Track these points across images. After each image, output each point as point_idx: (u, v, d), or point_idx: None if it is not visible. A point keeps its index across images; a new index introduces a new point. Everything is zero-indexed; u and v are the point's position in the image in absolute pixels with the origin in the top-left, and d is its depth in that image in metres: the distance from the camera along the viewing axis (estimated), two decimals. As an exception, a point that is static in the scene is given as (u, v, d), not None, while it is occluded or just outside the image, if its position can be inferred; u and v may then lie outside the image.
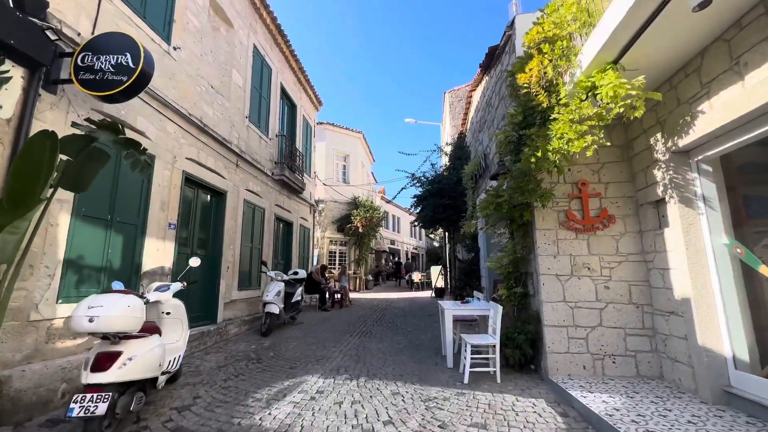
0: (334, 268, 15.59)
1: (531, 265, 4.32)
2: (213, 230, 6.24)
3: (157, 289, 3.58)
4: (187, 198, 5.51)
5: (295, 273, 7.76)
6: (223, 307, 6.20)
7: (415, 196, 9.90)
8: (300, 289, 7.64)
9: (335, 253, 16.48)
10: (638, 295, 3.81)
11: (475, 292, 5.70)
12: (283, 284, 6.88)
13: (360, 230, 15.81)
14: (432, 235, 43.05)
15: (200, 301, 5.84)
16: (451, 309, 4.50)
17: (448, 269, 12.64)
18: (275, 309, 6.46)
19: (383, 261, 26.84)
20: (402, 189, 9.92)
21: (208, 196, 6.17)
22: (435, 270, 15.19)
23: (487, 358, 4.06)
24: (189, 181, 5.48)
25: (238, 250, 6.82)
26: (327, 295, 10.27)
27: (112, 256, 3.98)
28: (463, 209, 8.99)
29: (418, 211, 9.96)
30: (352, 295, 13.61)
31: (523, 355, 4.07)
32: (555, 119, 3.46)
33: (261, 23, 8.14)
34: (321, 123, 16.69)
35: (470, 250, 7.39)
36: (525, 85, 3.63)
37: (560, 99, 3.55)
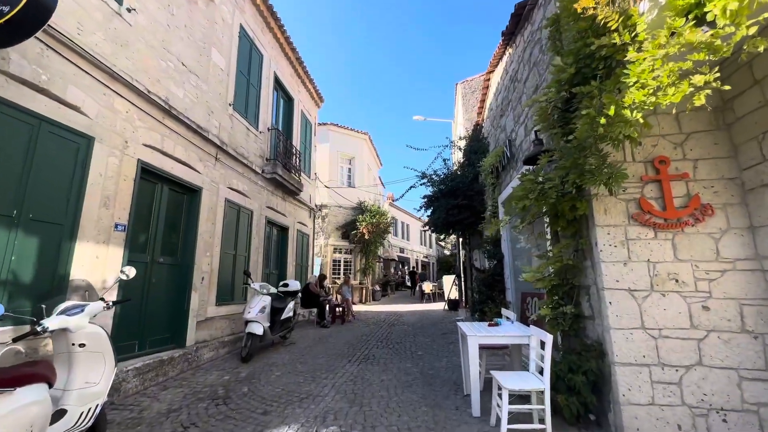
0: (339, 278, 14.51)
1: (587, 276, 3.16)
2: (184, 234, 5.22)
3: (66, 311, 2.53)
4: (145, 193, 4.51)
5: (285, 285, 6.68)
6: (195, 326, 5.14)
7: (425, 197, 8.79)
8: (291, 304, 6.55)
9: (340, 261, 15.40)
10: (755, 319, 2.61)
11: (504, 311, 4.52)
12: (269, 298, 5.81)
13: (366, 237, 14.73)
14: (443, 243, 41.79)
15: (164, 321, 4.79)
16: (476, 335, 3.35)
17: (463, 279, 11.42)
18: (258, 329, 5.37)
19: (392, 270, 25.66)
20: (410, 188, 8.87)
21: (178, 193, 5.17)
22: (448, 280, 13.95)
23: (530, 408, 2.89)
24: (148, 172, 4.49)
25: (217, 257, 5.78)
26: (327, 309, 9.15)
27: (18, 267, 2.96)
28: (481, 210, 7.84)
29: (428, 214, 8.84)
30: (357, 308, 12.46)
31: (583, 403, 2.87)
32: (632, 62, 2.34)
33: (249, 1, 7.24)
34: (325, 123, 15.80)
35: (491, 258, 6.21)
36: (589, 8, 2.51)
37: (636, 35, 2.43)
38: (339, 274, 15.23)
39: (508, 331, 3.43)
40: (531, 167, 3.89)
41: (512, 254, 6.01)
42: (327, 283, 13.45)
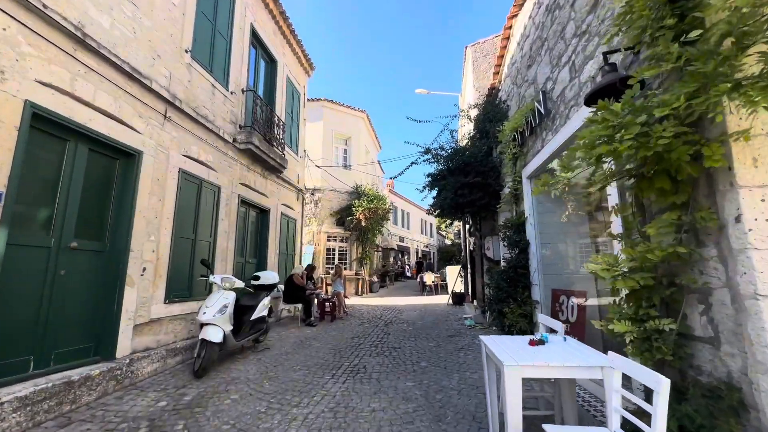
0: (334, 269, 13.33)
1: (704, 273, 1.92)
2: (115, 211, 3.98)
3: None
4: (44, 151, 3.26)
5: (257, 278, 5.46)
6: (131, 331, 3.94)
7: (429, 176, 7.53)
8: (266, 300, 5.34)
9: (334, 250, 14.20)
10: None
11: (541, 317, 3.29)
12: (233, 295, 4.60)
13: (363, 224, 13.49)
14: (444, 232, 40.58)
15: (81, 326, 3.58)
16: (517, 364, 2.11)
17: (470, 271, 10.23)
18: (216, 334, 4.18)
19: (391, 260, 24.54)
20: (411, 164, 7.57)
21: (105, 157, 3.91)
22: (452, 271, 12.78)
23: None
24: (49, 122, 3.22)
25: (168, 242, 4.55)
26: (316, 305, 7.97)
27: None
28: (497, 189, 6.58)
29: (432, 195, 7.60)
30: (352, 301, 11.31)
31: (714, 494, 1.67)
32: None
33: (214, -73, 5.85)
34: (318, 99, 14.42)
35: (513, 246, 4.97)
36: None
37: None
38: (333, 263, 14.04)
39: (567, 358, 2.20)
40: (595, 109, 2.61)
41: (540, 241, 4.78)
42: (320, 274, 12.28)
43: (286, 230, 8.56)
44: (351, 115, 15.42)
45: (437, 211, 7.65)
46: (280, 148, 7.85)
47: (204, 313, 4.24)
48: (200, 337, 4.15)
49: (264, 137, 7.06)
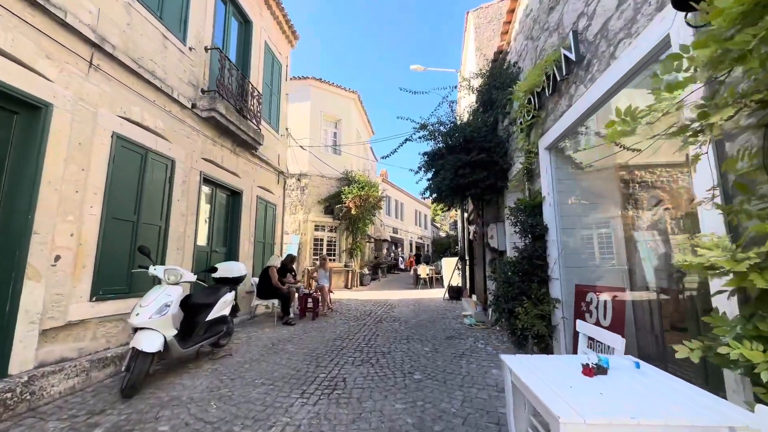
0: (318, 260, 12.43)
1: None
2: (9, 181, 3.00)
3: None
4: None
5: (213, 269, 4.51)
6: (35, 339, 3.00)
7: (425, 154, 6.61)
8: (228, 296, 4.40)
9: (322, 240, 13.27)
10: None
11: (582, 325, 2.42)
12: (178, 290, 3.66)
13: (353, 212, 12.56)
14: (438, 224, 39.78)
15: (-48, 334, 2.63)
16: (575, 413, 1.22)
17: (468, 263, 9.39)
18: (152, 342, 3.25)
19: (384, 251, 23.71)
20: (405, 141, 6.67)
21: (-8, 107, 2.92)
22: (448, 263, 11.95)
23: None
24: None
25: (95, 224, 3.60)
26: (296, 300, 7.08)
27: None
28: (504, 167, 5.69)
29: (428, 177, 6.67)
30: (340, 295, 10.43)
31: None
32: None
33: None
34: (305, 77, 13.34)
35: (526, 233, 4.09)
36: None
37: None
38: (322, 254, 13.11)
39: (663, 406, 1.30)
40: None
41: (561, 225, 3.91)
42: (307, 266, 11.38)
43: (264, 216, 7.60)
44: (341, 95, 14.36)
45: (433, 195, 6.73)
46: (254, 121, 6.85)
47: (137, 314, 3.30)
48: (131, 346, 3.22)
49: (235, 107, 6.06)
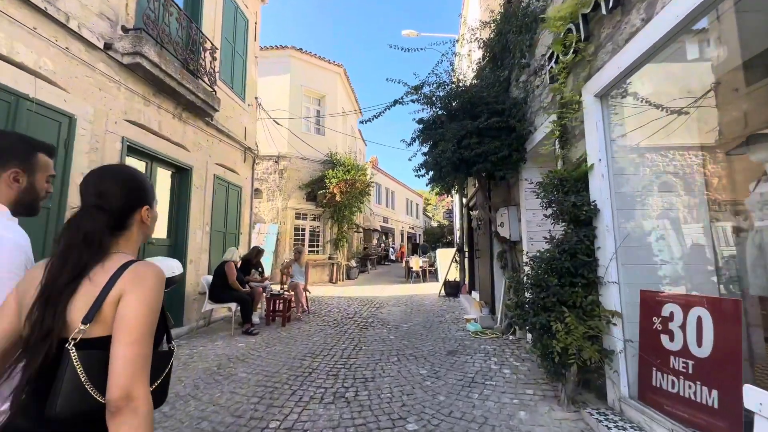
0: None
1: None
2: None
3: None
4: None
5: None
6: None
7: (420, 122, 5.35)
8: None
9: (303, 230, 11.98)
10: None
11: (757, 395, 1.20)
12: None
13: (338, 199, 11.27)
14: (430, 214, 38.68)
15: None
16: None
17: (468, 254, 8.23)
18: None
19: (374, 241, 22.53)
20: (393, 103, 5.48)
21: None
22: (444, 255, 10.80)
23: None
24: None
25: None
26: (263, 303, 5.84)
27: None
28: (522, 133, 4.46)
29: (424, 150, 5.42)
30: (323, 292, 9.22)
31: None
32: None
33: None
34: (283, 47, 11.85)
35: (564, 216, 2.86)
36: None
37: None
38: (304, 246, 11.85)
39: None
40: None
41: (619, 205, 2.71)
42: (287, 259, 10.11)
43: (225, 200, 6.27)
44: (325, 69, 12.90)
45: (429, 174, 5.47)
46: (207, 80, 5.48)
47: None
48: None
49: (175, 56, 4.70)
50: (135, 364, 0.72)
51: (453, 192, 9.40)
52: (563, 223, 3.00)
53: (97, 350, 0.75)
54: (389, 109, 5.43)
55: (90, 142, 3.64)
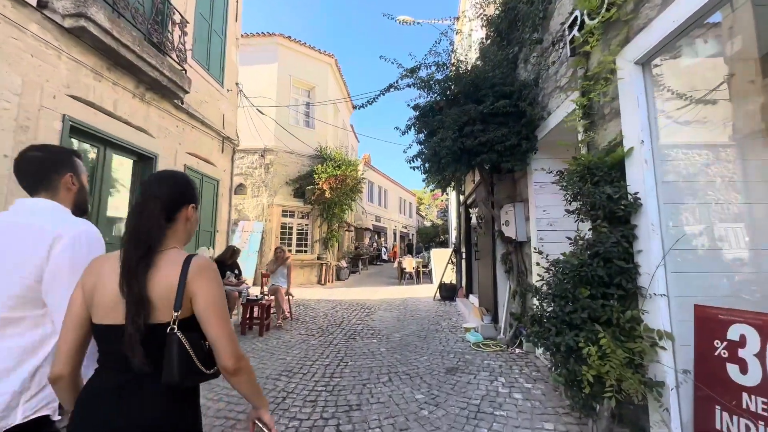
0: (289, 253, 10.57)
1: None
2: None
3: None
4: None
5: None
6: None
7: (416, 108, 4.78)
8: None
9: (291, 228, 11.34)
10: None
11: None
12: None
13: (327, 195, 10.65)
14: (423, 213, 38.17)
15: None
16: None
17: (465, 256, 7.70)
18: None
19: (366, 241, 21.94)
20: (389, 88, 4.97)
21: None
22: (439, 256, 10.27)
23: None
24: None
25: None
26: (238, 309, 5.22)
27: None
28: (533, 118, 3.91)
29: (419, 140, 4.86)
30: (310, 294, 8.61)
31: None
32: None
33: None
34: (270, 34, 11.19)
35: (596, 212, 2.31)
36: None
37: None
38: (291, 245, 11.23)
39: None
40: None
41: (665, 196, 2.16)
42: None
43: (199, 194, 5.62)
44: (315, 59, 12.25)
45: (425, 166, 4.90)
46: (176, 57, 4.84)
47: None
48: None
49: (135, 25, 4.06)
50: (232, 335, 0.97)
51: (450, 189, 8.88)
52: (593, 221, 2.45)
53: (192, 332, 0.94)
54: (383, 94, 4.84)
55: (17, 119, 2.99)
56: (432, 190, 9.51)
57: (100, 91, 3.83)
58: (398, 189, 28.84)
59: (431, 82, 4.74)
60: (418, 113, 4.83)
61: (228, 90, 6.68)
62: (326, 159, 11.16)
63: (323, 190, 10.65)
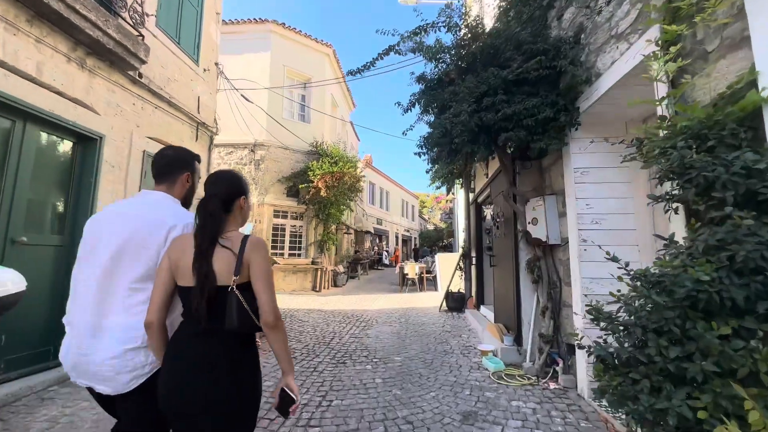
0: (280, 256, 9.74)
1: None
2: None
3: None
4: None
5: None
6: None
7: (422, 80, 3.90)
8: None
9: (284, 230, 10.46)
10: None
11: None
12: None
13: (323, 194, 9.78)
14: (426, 216, 37.20)
15: None
16: None
17: (476, 261, 6.77)
18: None
19: (367, 244, 21.04)
20: (387, 51, 4.19)
21: None
22: (446, 261, 9.35)
23: None
24: None
25: None
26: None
27: None
28: (574, 83, 3.00)
29: (429, 120, 3.98)
30: (300, 303, 7.71)
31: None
32: None
33: None
34: (263, 20, 10.42)
35: (720, 190, 1.38)
36: None
37: None
38: (284, 249, 10.35)
39: None
40: None
41: None
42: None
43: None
44: (311, 48, 11.45)
45: (432, 153, 4.00)
46: (132, 19, 3.99)
47: None
48: None
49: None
50: (274, 297, 1.23)
51: (458, 186, 7.97)
52: (706, 209, 1.54)
53: (246, 291, 1.20)
54: (382, 58, 3.94)
55: None
56: (438, 188, 8.61)
57: (14, 48, 2.97)
58: (400, 191, 27.97)
59: (440, 50, 3.87)
60: (423, 86, 3.94)
61: (205, 70, 5.84)
62: (322, 155, 10.30)
63: (318, 189, 9.77)
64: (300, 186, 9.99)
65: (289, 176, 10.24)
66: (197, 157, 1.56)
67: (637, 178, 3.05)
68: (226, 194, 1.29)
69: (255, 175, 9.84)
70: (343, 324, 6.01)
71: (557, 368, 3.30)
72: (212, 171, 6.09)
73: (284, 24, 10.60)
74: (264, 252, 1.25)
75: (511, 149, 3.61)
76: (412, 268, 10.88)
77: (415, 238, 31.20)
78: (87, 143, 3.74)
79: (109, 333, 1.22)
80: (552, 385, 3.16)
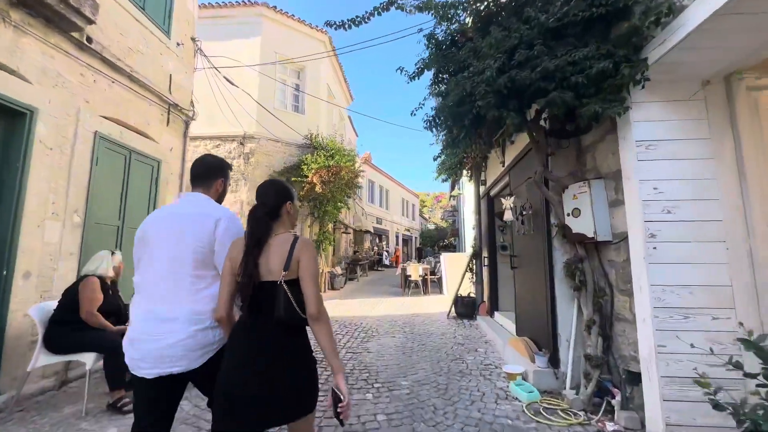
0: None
1: None
2: None
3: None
4: None
5: None
6: None
7: (431, 39, 3.16)
8: None
9: (276, 229, 9.67)
10: None
11: None
12: None
13: (318, 190, 9.02)
14: (426, 215, 36.40)
15: None
16: None
17: (488, 262, 6.01)
18: None
19: (366, 245, 20.28)
20: (387, 6, 3.47)
21: None
22: (453, 261, 8.59)
23: None
24: None
25: None
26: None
27: None
28: (640, 29, 2.25)
29: (442, 89, 3.25)
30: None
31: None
32: None
33: None
34: (254, 3, 9.65)
35: None
36: None
37: None
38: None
39: None
40: None
41: None
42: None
43: (124, 178, 3.99)
44: (306, 35, 10.69)
45: (448, 124, 3.25)
46: (71, -33, 3.23)
47: None
48: None
49: None
50: (318, 294, 1.34)
51: (466, 178, 7.22)
52: None
53: (293, 286, 1.34)
54: (380, 13, 3.17)
55: None
56: (444, 180, 7.86)
57: None
58: (401, 189, 27.22)
59: (455, 3, 3.13)
60: (433, 48, 3.19)
61: (178, 44, 5.08)
62: (317, 148, 9.55)
63: (313, 184, 9.01)
64: (293, 180, 9.23)
65: (281, 171, 9.48)
66: (230, 166, 1.82)
67: (722, 152, 2.30)
68: (274, 203, 1.47)
69: (244, 169, 9.08)
70: (340, 335, 5.25)
71: (612, 401, 2.54)
72: (192, 160, 5.33)
73: (275, 7, 9.84)
74: (312, 252, 1.39)
75: (546, 121, 2.85)
76: (415, 270, 10.11)
77: (416, 237, 30.45)
78: (12, 118, 2.98)
79: (181, 318, 1.41)
80: (610, 427, 2.41)
